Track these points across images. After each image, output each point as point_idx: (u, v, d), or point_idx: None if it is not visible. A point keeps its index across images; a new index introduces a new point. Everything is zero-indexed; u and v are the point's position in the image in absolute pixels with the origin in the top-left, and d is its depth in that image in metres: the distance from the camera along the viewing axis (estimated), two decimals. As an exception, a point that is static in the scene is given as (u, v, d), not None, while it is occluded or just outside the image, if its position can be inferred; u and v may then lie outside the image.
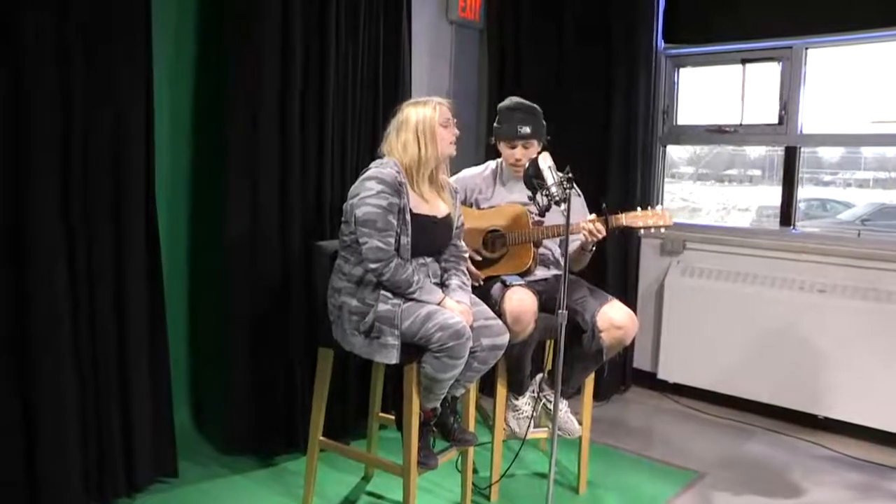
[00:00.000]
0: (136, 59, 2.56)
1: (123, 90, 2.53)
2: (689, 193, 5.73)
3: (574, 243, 2.85)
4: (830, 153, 5.64)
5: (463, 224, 2.72)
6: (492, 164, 3.06)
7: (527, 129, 2.86)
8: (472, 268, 2.85)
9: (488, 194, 2.99)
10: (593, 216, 2.76)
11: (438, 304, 2.42)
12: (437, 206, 2.57)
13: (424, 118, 2.49)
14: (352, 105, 3.24)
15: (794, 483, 3.08)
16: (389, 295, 2.40)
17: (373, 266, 2.38)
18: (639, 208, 2.80)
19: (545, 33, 4.03)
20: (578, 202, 2.98)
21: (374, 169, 2.47)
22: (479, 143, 4.18)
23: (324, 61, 3.08)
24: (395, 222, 2.41)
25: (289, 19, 2.94)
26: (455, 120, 2.58)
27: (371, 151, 3.26)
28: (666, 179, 4.39)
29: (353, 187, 2.49)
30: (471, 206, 2.99)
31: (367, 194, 2.40)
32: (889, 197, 5.65)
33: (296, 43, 2.97)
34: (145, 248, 2.66)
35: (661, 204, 4.21)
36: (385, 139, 2.56)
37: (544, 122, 2.94)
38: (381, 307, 2.38)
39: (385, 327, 2.36)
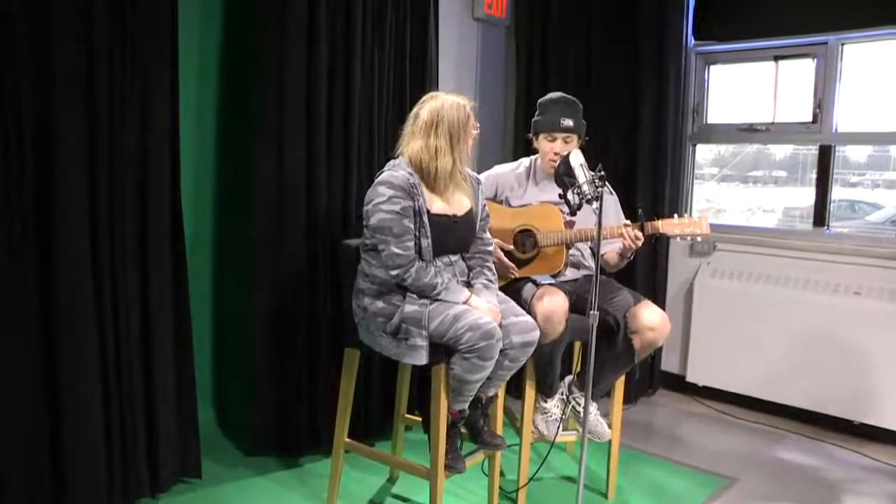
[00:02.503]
0: (161, 58, 2.54)
1: (149, 86, 2.51)
2: (713, 195, 5.66)
3: (610, 247, 2.79)
4: (857, 153, 5.53)
5: (488, 215, 2.66)
6: (525, 161, 3.01)
7: (569, 122, 2.80)
8: (506, 259, 2.80)
9: (520, 193, 2.93)
10: (628, 222, 2.69)
11: (465, 302, 2.37)
12: (457, 203, 2.51)
13: (459, 123, 2.40)
14: (378, 103, 3.21)
15: (831, 492, 3.00)
16: (415, 296, 2.36)
17: (394, 272, 2.34)
18: (675, 215, 2.73)
19: (573, 31, 3.97)
20: (612, 202, 2.91)
21: (387, 172, 2.42)
22: (506, 143, 4.13)
23: (350, 58, 3.04)
24: (411, 226, 2.36)
25: (314, 17, 2.91)
26: (478, 124, 2.52)
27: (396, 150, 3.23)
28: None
29: (368, 192, 2.44)
30: (500, 203, 2.93)
31: (379, 200, 2.35)
32: (920, 198, 5.54)
33: (321, 41, 2.94)
34: (170, 246, 2.64)
35: (692, 206, 4.16)
36: (404, 137, 2.48)
37: (584, 121, 2.88)
38: (408, 308, 2.34)
39: (413, 328, 2.32)
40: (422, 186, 2.42)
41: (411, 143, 2.44)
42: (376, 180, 2.42)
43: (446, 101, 2.43)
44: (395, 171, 2.40)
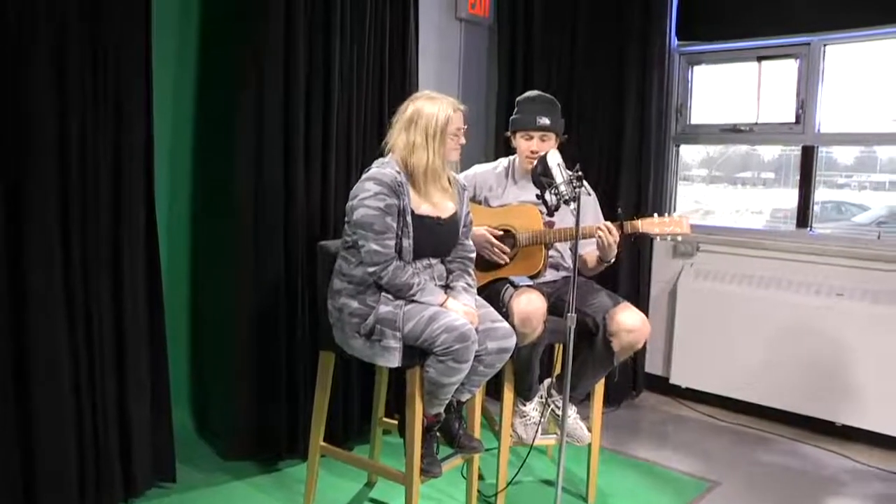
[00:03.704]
0: (135, 63, 2.50)
1: (123, 84, 2.47)
2: (701, 196, 5.64)
3: (589, 248, 2.77)
4: (845, 155, 5.52)
5: (471, 222, 2.63)
6: (504, 161, 2.99)
7: (545, 121, 2.78)
8: (498, 243, 2.76)
9: (499, 192, 2.91)
10: (608, 223, 2.67)
11: (440, 305, 2.34)
12: (442, 206, 2.48)
13: (437, 122, 2.37)
14: (357, 104, 3.17)
15: (813, 494, 2.99)
16: (391, 296, 2.33)
17: (371, 269, 2.32)
18: (655, 215, 2.71)
19: (556, 30, 3.95)
20: (591, 203, 2.89)
21: (375, 169, 2.40)
22: (488, 143, 4.10)
23: (328, 59, 3.01)
24: (394, 224, 2.33)
25: (292, 17, 2.88)
26: (465, 128, 2.49)
27: (377, 152, 3.20)
28: (679, 181, 4.30)
29: (354, 187, 2.42)
30: (480, 203, 2.91)
31: (364, 195, 2.33)
32: (906, 199, 5.54)
33: (299, 41, 2.90)
34: (144, 247, 2.61)
35: (675, 207, 4.14)
36: (392, 131, 2.46)
37: (562, 119, 2.86)
38: (383, 309, 2.31)
39: (387, 329, 2.29)
40: (409, 186, 2.39)
41: (397, 140, 2.43)
42: (364, 176, 2.40)
43: (429, 100, 2.42)
44: (384, 169, 2.37)
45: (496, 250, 2.76)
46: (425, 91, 2.53)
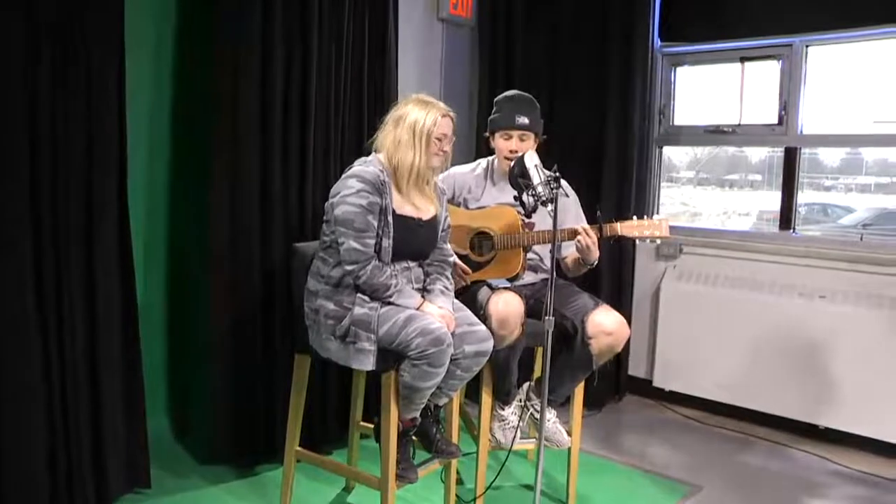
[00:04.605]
0: (108, 61, 2.46)
1: (95, 93, 2.44)
2: (688, 198, 5.64)
3: (570, 250, 2.74)
4: (831, 157, 5.54)
5: (450, 226, 2.61)
6: (483, 162, 2.96)
7: (524, 120, 2.75)
8: (461, 263, 2.74)
9: (478, 194, 2.88)
10: (587, 226, 2.65)
11: (417, 308, 2.31)
12: (423, 208, 2.46)
13: (424, 124, 2.35)
14: (335, 106, 3.14)
15: (795, 497, 2.97)
16: (367, 298, 2.30)
17: (349, 268, 2.28)
18: (634, 217, 2.69)
19: (538, 31, 3.93)
20: (571, 203, 2.86)
21: (357, 167, 2.38)
22: (470, 144, 4.07)
23: (306, 60, 2.98)
24: (374, 223, 2.30)
25: (269, 17, 2.84)
26: (454, 138, 2.47)
27: (356, 153, 3.16)
28: (665, 183, 4.28)
29: (335, 185, 2.39)
30: (458, 205, 2.88)
31: (346, 192, 2.30)
32: (891, 202, 5.55)
33: (276, 41, 2.87)
34: (118, 249, 2.57)
35: (659, 209, 4.12)
36: (381, 130, 2.44)
37: (542, 119, 2.83)
38: (358, 311, 2.27)
39: (361, 332, 2.26)
40: (391, 186, 2.36)
41: (385, 137, 2.41)
42: (345, 174, 2.38)
43: (421, 103, 2.41)
44: (367, 167, 2.35)
45: (458, 270, 2.73)
46: (421, 94, 2.50)
